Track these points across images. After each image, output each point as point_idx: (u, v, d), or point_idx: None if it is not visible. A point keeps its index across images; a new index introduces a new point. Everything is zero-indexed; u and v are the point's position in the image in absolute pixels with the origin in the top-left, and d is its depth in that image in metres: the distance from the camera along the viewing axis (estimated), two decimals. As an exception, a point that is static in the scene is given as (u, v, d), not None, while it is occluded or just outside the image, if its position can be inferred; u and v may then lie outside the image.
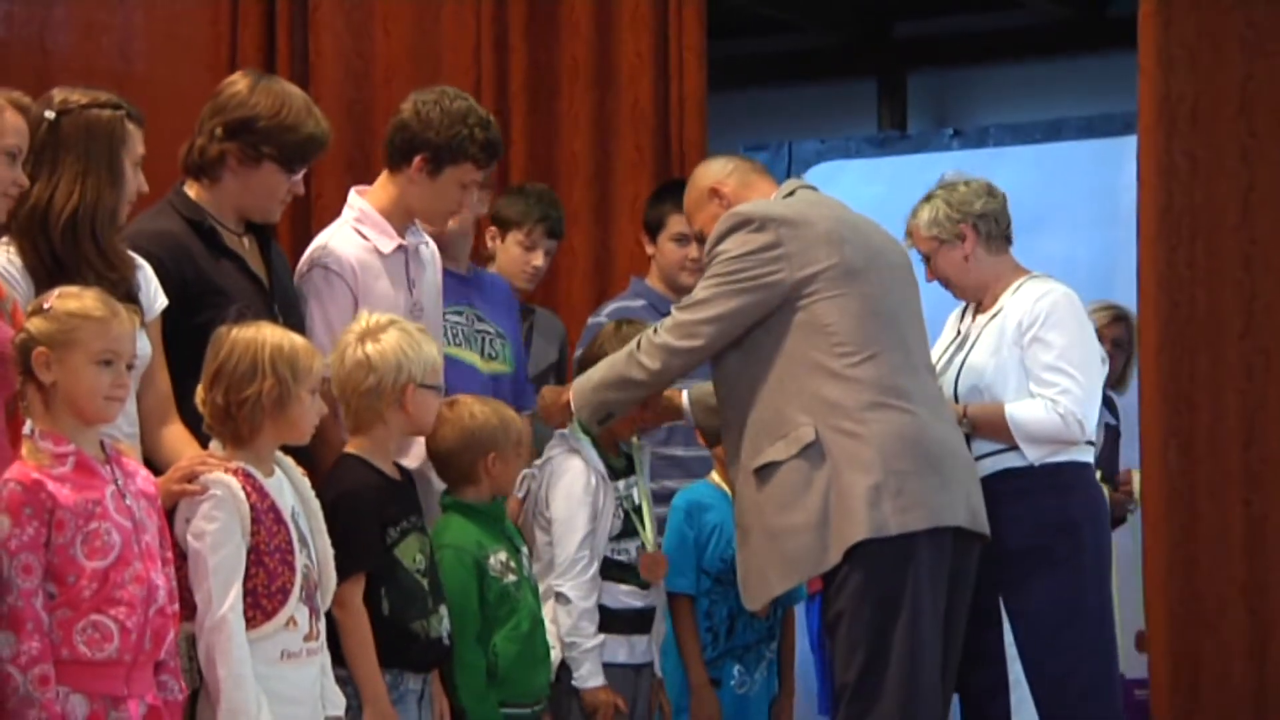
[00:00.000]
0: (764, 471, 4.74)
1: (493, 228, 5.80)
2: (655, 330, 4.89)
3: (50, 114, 4.11)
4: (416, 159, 4.86)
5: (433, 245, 5.08)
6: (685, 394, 5.18)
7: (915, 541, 4.65)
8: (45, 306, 3.71)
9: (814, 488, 4.67)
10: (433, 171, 4.87)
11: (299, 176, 4.61)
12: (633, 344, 4.91)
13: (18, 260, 4.02)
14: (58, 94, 4.17)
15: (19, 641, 3.54)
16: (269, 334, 4.09)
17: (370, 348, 4.45)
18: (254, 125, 4.52)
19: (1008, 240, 5.40)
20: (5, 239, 4.06)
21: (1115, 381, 6.52)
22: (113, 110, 4.16)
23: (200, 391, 4.08)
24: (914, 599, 4.64)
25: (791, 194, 4.99)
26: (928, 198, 5.43)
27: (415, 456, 4.75)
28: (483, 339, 5.28)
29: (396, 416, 4.47)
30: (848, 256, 4.78)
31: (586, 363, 5.30)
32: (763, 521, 4.76)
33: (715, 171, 5.11)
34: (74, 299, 3.73)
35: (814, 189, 5.08)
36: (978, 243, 5.35)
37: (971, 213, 5.36)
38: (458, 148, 4.85)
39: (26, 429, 3.68)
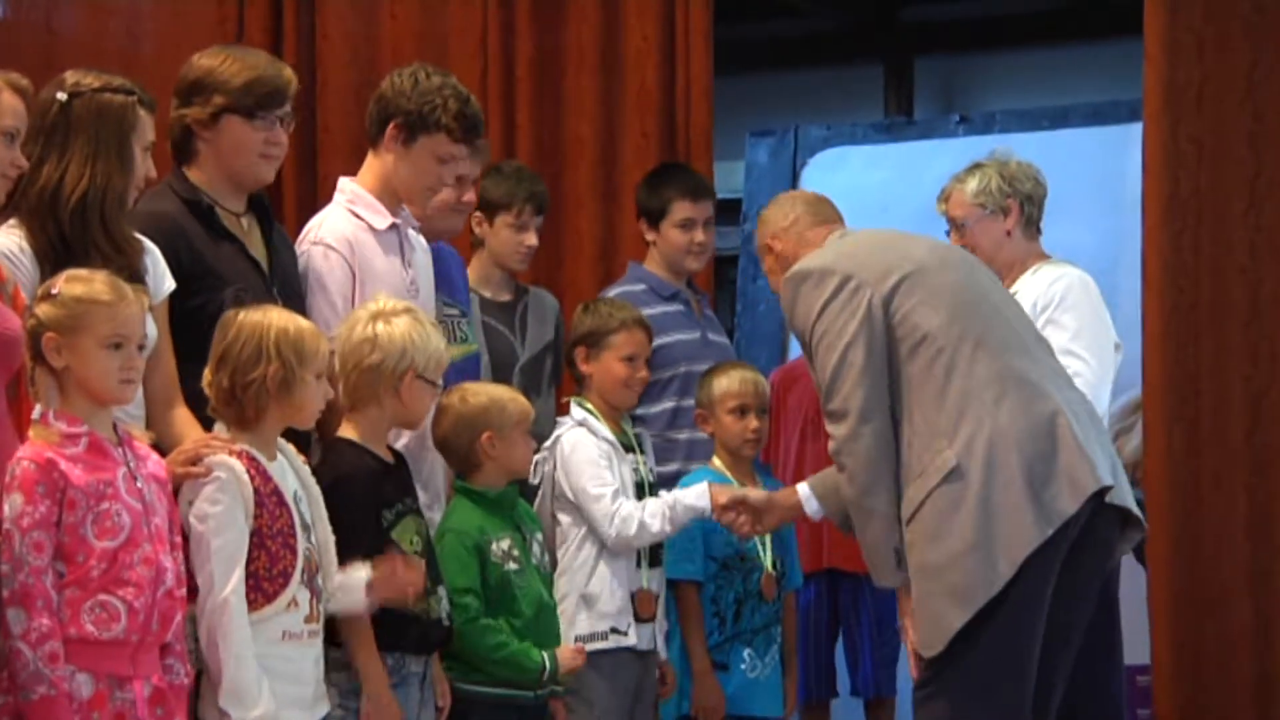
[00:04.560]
0: (913, 517, 4.47)
1: (478, 213, 5.67)
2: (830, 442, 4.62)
3: (62, 96, 4.12)
4: (390, 127, 4.86)
5: (420, 238, 5.05)
6: (801, 488, 4.97)
7: (1063, 531, 4.41)
8: (53, 291, 3.72)
9: (964, 507, 4.39)
10: (406, 140, 4.85)
11: (277, 129, 4.57)
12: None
13: (25, 243, 4.03)
14: (70, 76, 4.18)
15: (29, 618, 3.55)
16: (275, 318, 4.10)
17: (380, 327, 4.47)
18: (202, 84, 4.52)
19: (1039, 229, 5.45)
20: (13, 221, 4.06)
21: None
22: (125, 95, 4.17)
23: (207, 374, 4.10)
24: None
25: (843, 237, 4.86)
26: (977, 166, 5.46)
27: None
28: (450, 323, 5.23)
29: (391, 401, 4.47)
30: (919, 256, 4.63)
31: (566, 355, 5.33)
32: (919, 560, 4.45)
33: (774, 224, 4.97)
34: (81, 283, 3.73)
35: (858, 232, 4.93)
36: (1018, 222, 5.39)
37: (1021, 191, 5.43)
38: (429, 115, 4.83)
39: (35, 413, 3.69)
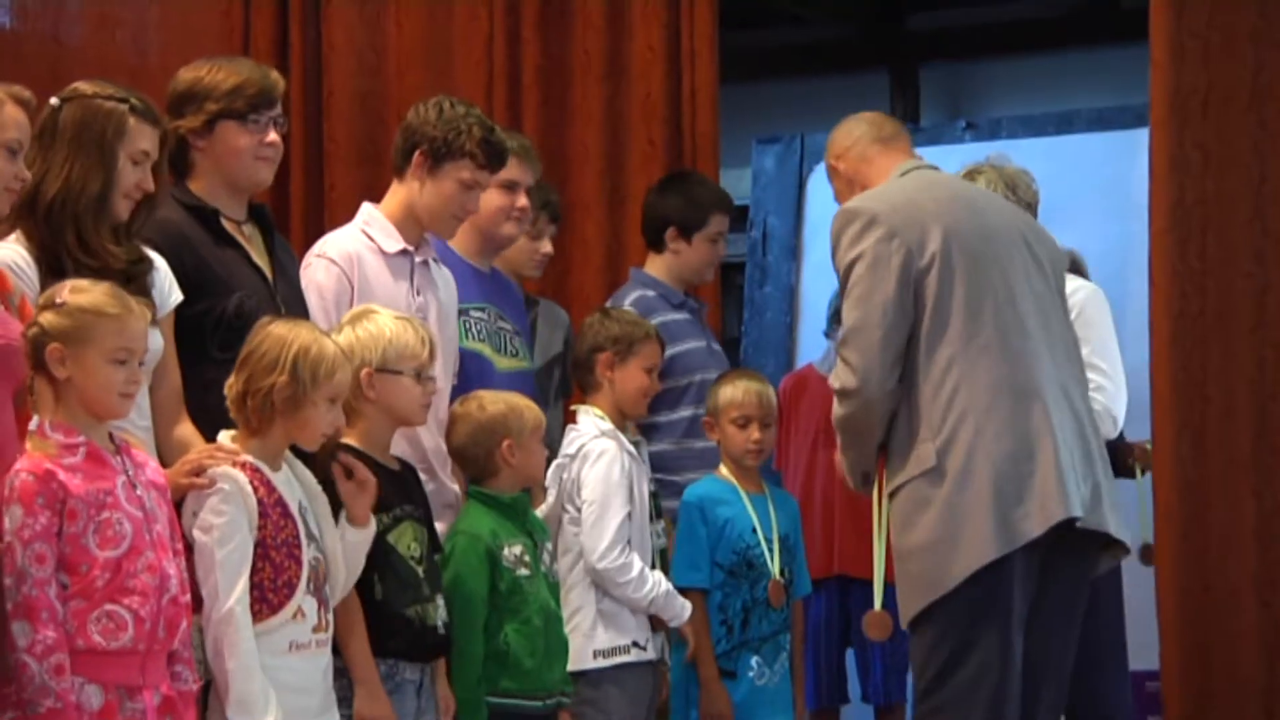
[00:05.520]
0: (894, 495, 4.54)
1: None
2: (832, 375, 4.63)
3: (54, 102, 4.12)
4: (416, 155, 4.93)
5: (447, 273, 5.08)
6: None
7: (1031, 547, 4.45)
8: (58, 301, 3.69)
9: (932, 506, 4.45)
10: (432, 167, 4.92)
11: (271, 130, 4.56)
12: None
13: (25, 249, 4.02)
14: (72, 86, 4.19)
15: (34, 630, 3.54)
16: (302, 333, 4.10)
17: (336, 336, 4.47)
18: (192, 94, 4.53)
19: None
20: (16, 232, 4.06)
21: None
22: (116, 102, 4.15)
23: (231, 376, 4.11)
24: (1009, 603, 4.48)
25: (906, 174, 4.78)
26: (977, 172, 5.44)
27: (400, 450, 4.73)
28: (503, 336, 5.30)
29: (363, 403, 4.43)
30: (964, 235, 4.59)
31: (579, 360, 5.32)
32: (894, 541, 4.54)
33: (837, 144, 4.91)
34: (86, 294, 3.71)
35: (932, 168, 4.88)
36: None
37: (1024, 199, 5.42)
38: (454, 141, 4.90)
39: (32, 424, 3.67)
